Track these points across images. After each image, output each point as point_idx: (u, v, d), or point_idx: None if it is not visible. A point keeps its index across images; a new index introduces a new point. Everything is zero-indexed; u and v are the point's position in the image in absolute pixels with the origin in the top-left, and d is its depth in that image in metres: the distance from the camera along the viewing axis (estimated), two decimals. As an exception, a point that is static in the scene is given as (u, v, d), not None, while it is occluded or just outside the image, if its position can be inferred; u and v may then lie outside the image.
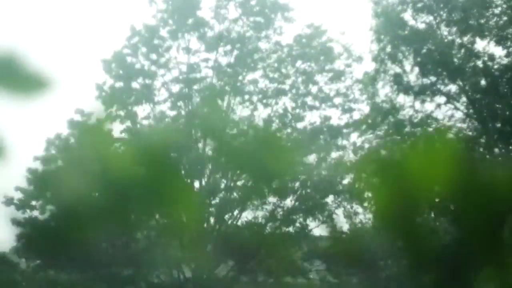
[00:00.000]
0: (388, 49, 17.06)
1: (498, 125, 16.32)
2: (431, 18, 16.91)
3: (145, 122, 22.30)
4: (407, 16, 17.00)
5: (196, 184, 21.87)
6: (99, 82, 22.06)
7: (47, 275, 20.92)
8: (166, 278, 21.95)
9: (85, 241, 20.18)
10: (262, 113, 22.16)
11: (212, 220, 21.65)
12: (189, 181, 21.66)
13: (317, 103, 22.04)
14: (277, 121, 22.10)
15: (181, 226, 21.48)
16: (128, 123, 22.10)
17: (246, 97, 22.10)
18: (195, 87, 22.16)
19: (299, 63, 22.03)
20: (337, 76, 21.58)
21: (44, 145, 22.02)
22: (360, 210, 21.09)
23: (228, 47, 21.83)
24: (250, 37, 21.97)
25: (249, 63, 22.04)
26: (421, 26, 16.99)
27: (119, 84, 21.91)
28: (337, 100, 21.79)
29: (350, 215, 21.11)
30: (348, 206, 21.14)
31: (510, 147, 16.61)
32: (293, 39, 22.26)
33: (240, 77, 22.12)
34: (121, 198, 21.30)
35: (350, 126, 21.47)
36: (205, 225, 21.41)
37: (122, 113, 21.97)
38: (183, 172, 21.48)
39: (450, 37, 16.85)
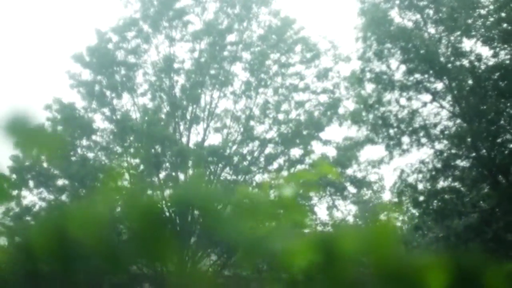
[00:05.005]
0: (374, 46, 16.79)
1: (484, 124, 16.20)
2: (418, 16, 16.64)
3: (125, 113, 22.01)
4: (394, 14, 16.72)
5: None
6: (74, 72, 21.78)
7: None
8: (148, 271, 21.83)
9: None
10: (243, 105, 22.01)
11: (196, 213, 21.49)
12: (173, 174, 21.48)
13: (302, 96, 21.89)
14: (259, 112, 21.89)
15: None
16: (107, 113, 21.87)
17: (229, 89, 21.87)
18: (176, 78, 21.84)
19: (277, 55, 21.78)
20: (324, 74, 21.42)
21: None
22: (342, 203, 21.12)
23: (209, 39, 21.46)
24: (229, 28, 21.65)
25: (230, 56, 21.74)
26: (408, 24, 16.72)
27: (98, 76, 21.54)
28: (323, 98, 21.67)
29: (332, 209, 21.12)
30: (331, 201, 21.14)
31: (495, 147, 16.53)
32: (264, 31, 22.07)
33: (222, 70, 21.82)
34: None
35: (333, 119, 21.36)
36: (188, 218, 21.24)
37: (101, 104, 21.71)
38: (167, 164, 21.32)
39: (437, 35, 16.62)
